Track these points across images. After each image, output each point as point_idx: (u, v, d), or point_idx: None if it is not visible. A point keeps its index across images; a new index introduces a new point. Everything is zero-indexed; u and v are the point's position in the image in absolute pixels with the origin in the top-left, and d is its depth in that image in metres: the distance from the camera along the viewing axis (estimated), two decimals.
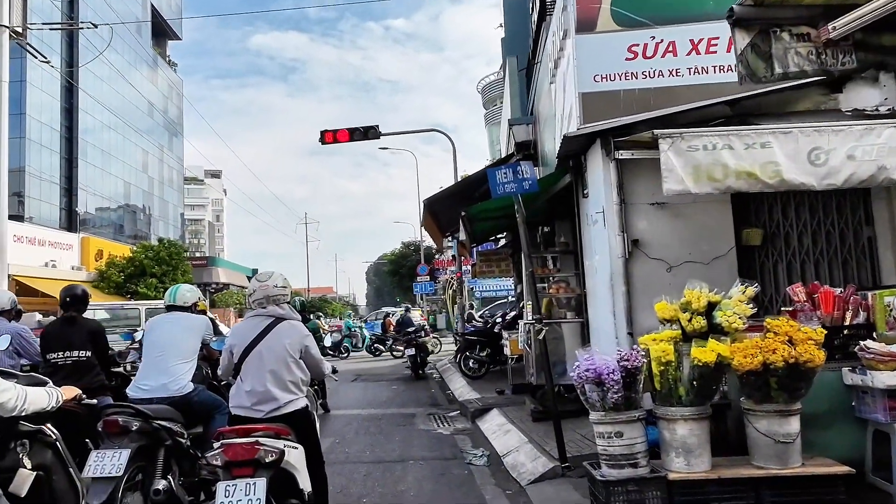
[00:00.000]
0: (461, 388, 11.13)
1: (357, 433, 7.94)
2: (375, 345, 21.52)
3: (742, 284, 4.39)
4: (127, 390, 4.37)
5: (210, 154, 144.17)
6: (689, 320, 4.27)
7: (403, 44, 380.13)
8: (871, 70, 5.59)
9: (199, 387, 4.53)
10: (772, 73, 3.24)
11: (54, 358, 5.23)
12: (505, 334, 10.75)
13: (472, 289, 26.59)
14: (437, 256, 39.01)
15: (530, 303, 7.85)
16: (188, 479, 4.24)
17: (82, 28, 25.13)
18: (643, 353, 4.06)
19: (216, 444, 3.28)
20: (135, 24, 43.61)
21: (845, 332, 4.54)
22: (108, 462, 3.57)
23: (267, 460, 3.21)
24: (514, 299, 15.74)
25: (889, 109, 5.43)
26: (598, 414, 4.04)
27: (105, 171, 42.05)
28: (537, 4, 9.40)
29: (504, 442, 6.69)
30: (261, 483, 3.13)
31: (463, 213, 8.39)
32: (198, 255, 56.24)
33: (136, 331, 5.18)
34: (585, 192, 6.68)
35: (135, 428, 3.82)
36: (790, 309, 4.71)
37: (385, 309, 41.35)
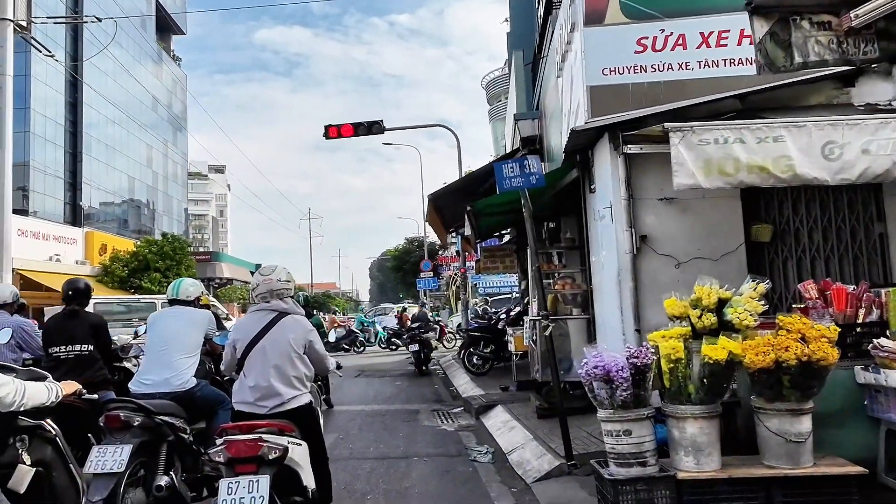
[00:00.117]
0: (465, 384, 11.08)
1: (361, 429, 7.90)
2: (392, 339, 21.50)
3: (753, 281, 4.32)
4: (129, 385, 4.32)
5: (214, 149, 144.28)
6: (700, 317, 4.20)
7: (408, 39, 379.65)
8: (884, 64, 5.50)
9: (202, 382, 4.47)
10: (791, 62, 3.16)
11: (56, 352, 5.20)
12: (509, 330, 10.70)
13: (476, 285, 26.53)
14: (440, 252, 38.95)
15: (536, 299, 7.80)
16: (191, 475, 4.19)
17: (86, 22, 25.11)
18: (652, 350, 3.99)
19: (219, 441, 3.23)
20: (139, 18, 43.57)
21: (858, 329, 4.46)
22: (109, 458, 3.52)
23: (270, 457, 3.16)
24: (518, 295, 15.67)
25: None
26: (606, 412, 3.98)
27: (109, 166, 42.07)
28: None
29: (509, 439, 6.63)
30: (264, 480, 3.08)
31: (469, 208, 8.32)
32: (201, 250, 56.32)
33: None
34: (592, 187, 6.61)
35: (137, 423, 3.77)
36: (802, 306, 4.64)
37: (383, 305, 41.29)
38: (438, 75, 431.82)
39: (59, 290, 5.54)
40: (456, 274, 30.80)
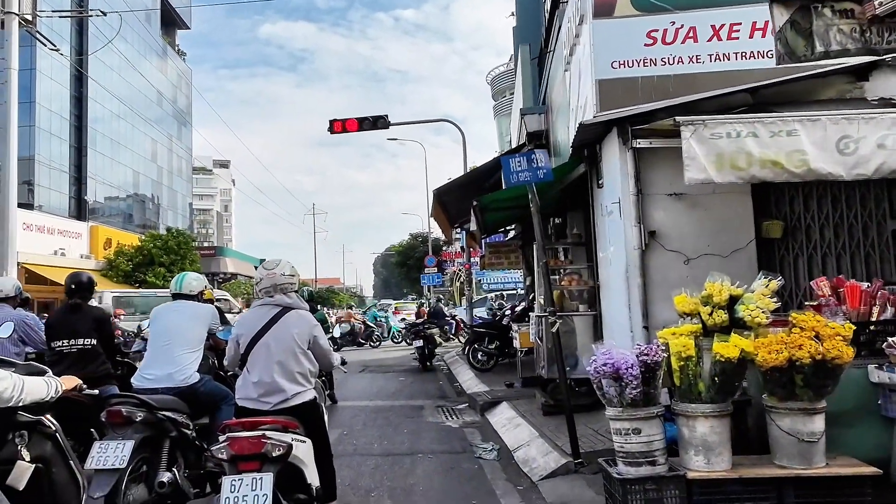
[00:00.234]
0: (469, 380, 11.03)
1: (365, 425, 7.86)
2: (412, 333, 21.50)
3: (765, 278, 4.24)
4: (132, 380, 4.27)
5: (219, 144, 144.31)
6: (710, 314, 4.12)
7: (413, 34, 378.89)
8: None
9: (205, 377, 4.43)
10: (812, 51, 3.08)
11: (59, 346, 5.16)
12: (514, 326, 10.63)
13: (480, 281, 26.48)
14: (444, 248, 38.90)
15: (542, 295, 7.73)
16: (194, 471, 4.14)
17: (91, 16, 25.06)
18: (663, 348, 3.92)
19: (222, 438, 3.18)
20: (144, 12, 43.53)
21: (872, 327, 4.38)
22: (111, 453, 3.48)
23: (274, 454, 3.11)
24: (522, 292, 15.60)
25: None
26: (615, 410, 3.91)
27: (114, 161, 42.12)
28: None
29: (514, 436, 6.57)
30: (267, 478, 3.02)
31: (475, 203, 8.26)
32: (206, 244, 56.38)
33: None
34: (600, 182, 6.53)
35: (139, 419, 3.72)
36: (814, 303, 4.56)
37: (383, 301, 41.24)
38: (443, 71, 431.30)
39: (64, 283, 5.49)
40: (460, 270, 30.76)
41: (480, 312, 17.57)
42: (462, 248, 23.42)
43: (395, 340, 22.61)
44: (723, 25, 5.73)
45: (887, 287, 4.56)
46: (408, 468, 5.75)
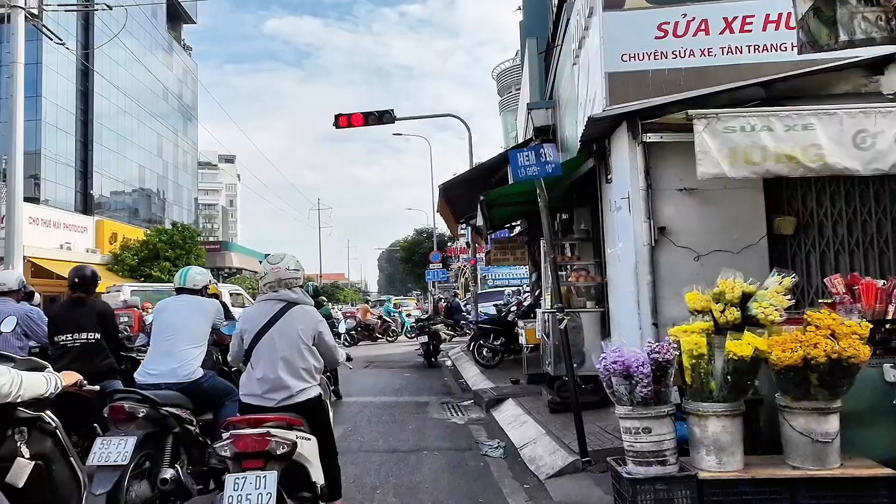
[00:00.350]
0: (475, 376, 10.97)
1: (370, 421, 7.81)
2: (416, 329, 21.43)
3: (779, 274, 4.16)
4: (135, 375, 4.23)
5: (224, 139, 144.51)
6: (722, 311, 4.05)
7: (418, 30, 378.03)
8: None
9: (209, 373, 4.38)
10: (836, 40, 2.98)
11: (63, 340, 5.12)
12: (520, 323, 10.55)
13: (486, 276, 26.39)
14: (449, 244, 38.85)
15: (550, 291, 7.65)
16: (197, 468, 4.10)
17: (97, 10, 25.04)
18: (675, 346, 3.85)
19: (225, 435, 3.13)
20: (150, 6, 43.49)
21: (887, 326, 4.29)
22: (113, 449, 3.44)
23: (278, 452, 3.06)
24: (528, 288, 15.51)
25: None
26: (624, 408, 3.84)
27: (120, 155, 42.17)
28: None
29: (521, 433, 6.51)
30: (271, 476, 2.97)
31: (482, 198, 8.17)
32: (211, 239, 56.47)
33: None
34: (609, 177, 6.45)
35: (142, 414, 3.68)
36: (829, 301, 4.47)
37: (383, 297, 41.21)
38: (449, 67, 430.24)
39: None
40: (465, 265, 30.68)
41: (488, 308, 17.45)
42: (467, 243, 23.34)
43: (409, 335, 22.53)
44: (735, 18, 5.62)
45: None
46: (413, 465, 5.70)
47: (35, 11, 14.50)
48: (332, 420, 4.15)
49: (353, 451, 6.20)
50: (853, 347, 3.57)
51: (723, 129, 4.24)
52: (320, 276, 62.56)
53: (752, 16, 5.55)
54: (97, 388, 3.23)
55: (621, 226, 5.97)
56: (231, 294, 18.87)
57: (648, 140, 5.39)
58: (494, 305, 16.84)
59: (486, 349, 11.98)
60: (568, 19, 8.08)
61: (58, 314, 5.31)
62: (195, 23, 57.48)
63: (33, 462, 2.45)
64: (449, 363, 14.39)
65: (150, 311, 13.71)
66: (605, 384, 3.95)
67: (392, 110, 15.57)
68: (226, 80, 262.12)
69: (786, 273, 4.17)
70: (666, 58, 5.71)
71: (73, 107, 37.71)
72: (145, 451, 3.69)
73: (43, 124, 34.50)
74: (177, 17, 52.91)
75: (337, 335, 21.29)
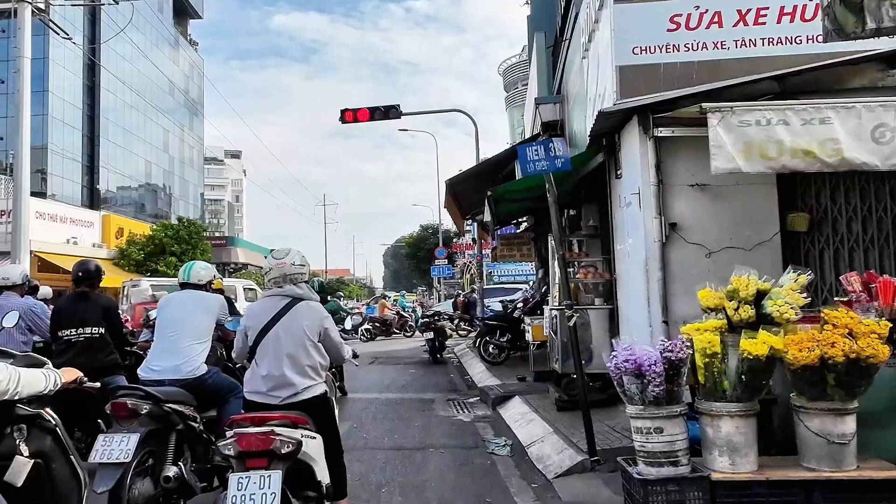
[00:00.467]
0: (481, 373, 10.90)
1: (375, 418, 7.75)
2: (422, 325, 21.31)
3: (794, 272, 4.06)
4: (138, 371, 4.17)
5: (230, 135, 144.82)
6: (736, 309, 3.96)
7: (424, 26, 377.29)
8: None
9: (213, 369, 4.32)
10: (863, 27, 2.88)
11: (67, 335, 5.08)
12: (527, 320, 10.47)
13: (491, 272, 26.32)
14: (455, 240, 38.76)
15: (558, 288, 7.57)
16: (201, 465, 4.04)
17: (104, 4, 25.03)
18: (688, 344, 3.76)
19: (229, 433, 3.06)
20: (157, 1, 43.51)
21: None
22: (115, 447, 3.39)
23: (283, 451, 2.99)
24: (535, 285, 15.42)
25: None
26: (635, 408, 3.76)
27: (126, 150, 42.26)
28: None
29: (528, 431, 6.44)
30: (276, 476, 2.90)
31: (489, 193, 8.10)
32: (217, 234, 56.57)
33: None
34: (619, 172, 6.36)
35: (144, 411, 3.62)
36: (845, 299, 4.37)
37: (384, 293, 41.20)
38: (455, 62, 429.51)
39: None
40: (471, 261, 30.60)
41: (493, 304, 17.34)
42: (473, 239, 23.26)
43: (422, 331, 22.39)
44: (749, 10, 5.52)
45: None
46: (419, 463, 5.64)
47: (42, 6, 14.48)
48: (337, 417, 4.09)
49: (359, 448, 6.15)
50: (872, 347, 3.48)
51: (738, 122, 4.14)
52: (326, 272, 62.62)
53: (767, 8, 5.44)
54: (98, 384, 3.18)
55: (631, 222, 5.89)
56: (245, 289, 18.80)
57: (660, 135, 5.30)
58: (500, 301, 16.76)
59: (492, 346, 11.90)
60: (577, 13, 7.98)
61: (61, 308, 5.26)
62: (201, 18, 57.55)
63: (32, 460, 2.39)
64: (455, 360, 14.33)
65: None
66: (615, 383, 3.87)
67: (398, 105, 15.49)
68: (232, 75, 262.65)
69: (801, 270, 4.08)
70: (678, 51, 5.61)
71: (79, 102, 37.79)
72: (148, 449, 3.63)
73: (50, 119, 34.60)
74: (183, 12, 52.92)
75: (343, 332, 21.24)
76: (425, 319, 15.53)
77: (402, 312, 23.13)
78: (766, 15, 5.45)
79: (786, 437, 4.08)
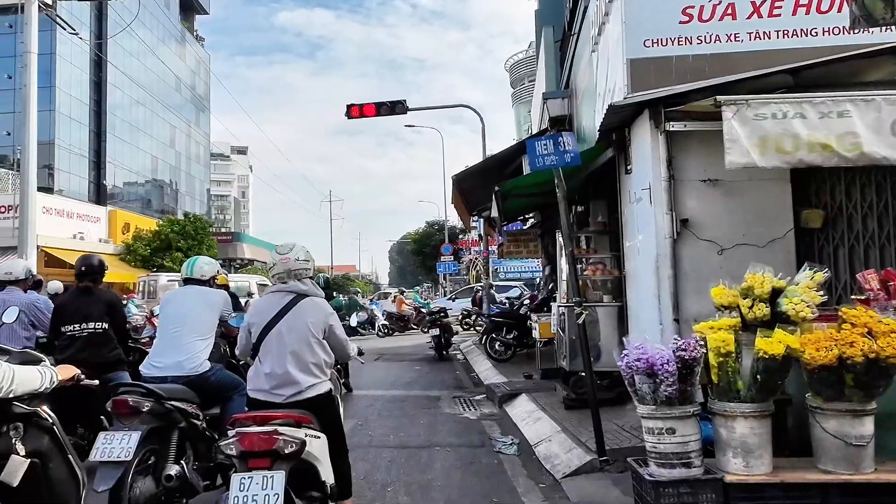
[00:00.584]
0: (487, 370, 10.83)
1: (381, 415, 7.69)
2: (465, 320, 21.14)
3: (810, 269, 3.96)
4: (140, 368, 4.11)
5: (236, 131, 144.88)
6: (751, 307, 3.86)
7: (430, 22, 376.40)
8: None
9: (216, 366, 4.25)
10: (892, 14, 2.78)
11: (70, 330, 5.03)
12: (533, 317, 10.38)
13: (497, 269, 26.23)
14: (461, 236, 38.67)
15: (566, 285, 7.47)
16: (204, 464, 3.98)
17: None
18: (702, 343, 3.67)
19: (231, 433, 2.99)
20: None
21: None
22: (116, 445, 3.33)
23: (286, 451, 2.92)
24: (542, 282, 15.32)
25: None
26: (647, 408, 3.67)
27: (133, 146, 42.31)
28: None
29: (535, 430, 6.36)
30: (279, 476, 2.83)
31: (496, 188, 8.01)
32: (223, 230, 56.64)
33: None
34: (629, 167, 6.26)
35: (146, 409, 3.56)
36: (861, 297, 4.26)
37: (384, 290, 41.08)
38: (460, 59, 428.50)
39: None
40: (477, 258, 30.50)
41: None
42: (479, 235, 23.15)
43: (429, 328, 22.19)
44: (763, 2, 5.40)
45: None
46: (425, 462, 5.57)
47: (49, 1, 14.43)
48: (342, 415, 4.02)
49: (364, 446, 6.08)
50: (892, 346, 3.37)
51: (753, 116, 4.04)
52: (332, 268, 62.67)
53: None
54: (96, 381, 3.11)
55: (641, 218, 5.79)
56: (258, 285, 18.72)
57: (671, 129, 5.20)
58: (507, 299, 16.66)
59: (498, 343, 11.83)
60: (586, 6, 7.86)
61: (64, 303, 5.21)
62: (208, 13, 57.45)
63: (29, 460, 2.33)
64: (460, 356, 14.26)
65: None
66: (626, 382, 3.78)
67: (404, 101, 15.41)
68: (237, 72, 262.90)
69: (817, 267, 3.98)
70: (690, 43, 5.50)
71: (86, 97, 37.82)
72: (150, 447, 3.58)
73: (57, 114, 34.63)
74: (189, 7, 52.88)
75: (360, 328, 21.15)
76: (431, 316, 15.45)
77: (420, 309, 23.02)
78: (780, 7, 5.33)
79: (800, 439, 3.98)
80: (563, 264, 7.90)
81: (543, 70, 12.10)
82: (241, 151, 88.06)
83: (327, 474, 3.25)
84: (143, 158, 43.71)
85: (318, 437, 3.23)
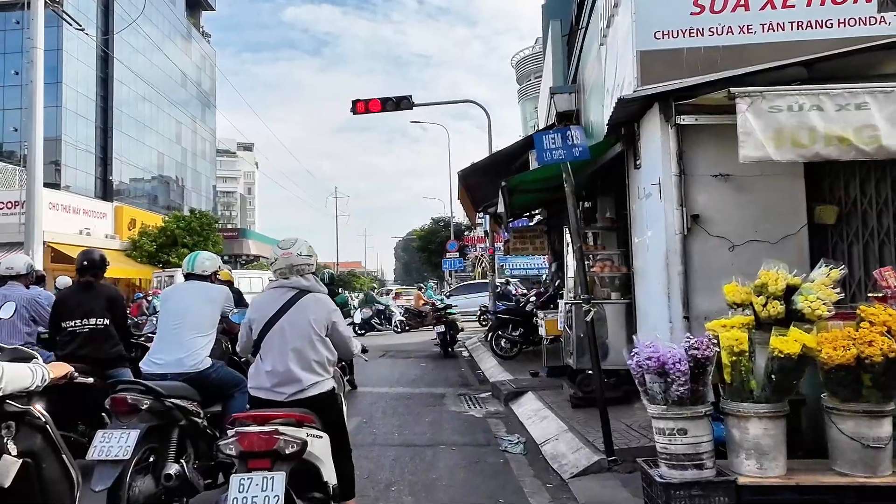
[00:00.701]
0: (492, 368, 10.74)
1: (385, 413, 7.61)
2: (483, 316, 21.06)
3: (826, 266, 3.85)
4: (140, 364, 4.03)
5: (242, 127, 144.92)
6: (764, 305, 3.76)
7: (436, 18, 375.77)
8: None
9: (217, 363, 4.17)
10: None
11: (71, 326, 4.96)
12: (540, 314, 10.28)
13: (503, 266, 26.10)
14: (466, 233, 38.54)
15: (572, 281, 7.38)
16: (205, 462, 3.91)
17: None
18: (714, 342, 3.57)
19: (230, 432, 2.91)
20: None
21: None
22: (115, 443, 3.26)
23: (287, 452, 2.84)
24: (548, 279, 15.21)
25: None
26: (658, 408, 3.57)
27: (139, 142, 42.39)
28: None
29: (541, 429, 6.27)
30: (279, 477, 2.75)
31: (503, 183, 7.90)
32: (230, 227, 56.72)
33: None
34: (638, 162, 6.15)
35: (145, 406, 3.48)
36: (878, 295, 4.15)
37: (386, 288, 41.03)
38: (466, 55, 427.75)
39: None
40: (483, 254, 30.38)
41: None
42: (485, 232, 23.02)
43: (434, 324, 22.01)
44: None
45: None
46: (429, 461, 5.49)
47: None
48: (345, 413, 3.94)
49: (368, 444, 6.01)
50: None
51: (768, 108, 3.93)
52: (337, 265, 62.67)
53: None
54: (90, 379, 3.03)
55: (651, 213, 5.68)
56: (270, 281, 18.67)
57: (683, 122, 5.09)
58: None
59: (504, 340, 11.72)
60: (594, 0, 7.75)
61: (65, 299, 5.14)
62: (214, 10, 57.49)
63: (21, 460, 2.25)
64: (466, 353, 14.17)
65: None
66: (636, 381, 3.69)
67: (410, 96, 15.29)
68: (244, 68, 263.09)
69: (833, 264, 3.87)
70: (702, 35, 5.38)
71: (93, 93, 37.91)
72: (149, 445, 3.50)
73: (63, 111, 34.73)
74: (196, 3, 52.92)
75: (378, 323, 21.04)
76: (436, 312, 15.37)
77: (437, 305, 22.93)
78: None
79: (815, 440, 3.89)
80: (570, 261, 7.80)
81: (550, 65, 11.97)
82: (248, 148, 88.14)
83: (329, 475, 3.18)
84: (149, 154, 43.78)
85: (321, 437, 3.15)
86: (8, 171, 27.58)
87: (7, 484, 2.20)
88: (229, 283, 7.33)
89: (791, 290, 3.82)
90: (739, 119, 3.98)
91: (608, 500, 4.37)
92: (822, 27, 5.31)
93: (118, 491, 3.20)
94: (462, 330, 16.27)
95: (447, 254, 30.98)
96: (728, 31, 5.36)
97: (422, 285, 28.89)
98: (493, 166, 11.03)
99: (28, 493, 2.30)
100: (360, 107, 15.06)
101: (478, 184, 11.42)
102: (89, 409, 4.57)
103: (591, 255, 7.88)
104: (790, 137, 3.90)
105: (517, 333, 11.70)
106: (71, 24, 15.83)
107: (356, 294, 33.32)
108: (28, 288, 5.65)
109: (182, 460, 3.65)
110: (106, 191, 37.64)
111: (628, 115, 5.94)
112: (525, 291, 18.58)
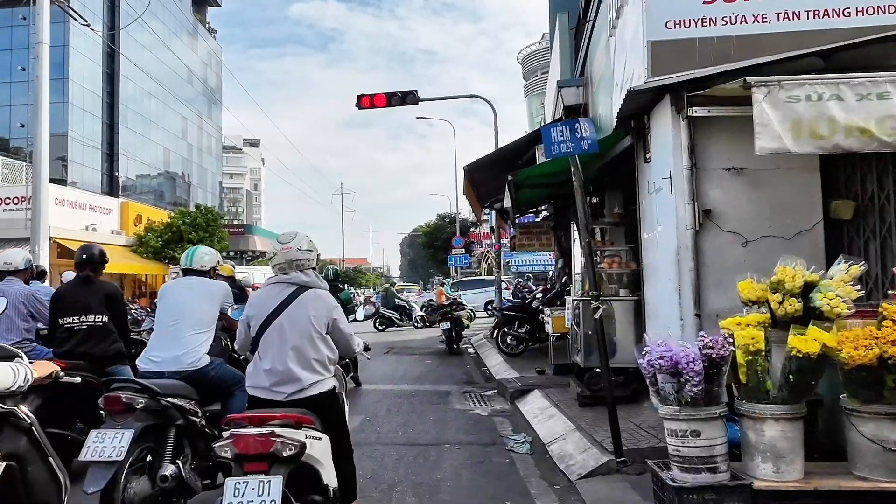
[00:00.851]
0: (498, 365, 10.62)
1: (389, 411, 7.51)
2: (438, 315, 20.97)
3: (845, 262, 3.71)
4: (137, 362, 3.93)
5: (248, 123, 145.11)
6: (781, 303, 3.63)
7: (442, 14, 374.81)
8: None
9: (216, 360, 4.07)
10: None
11: (69, 322, 4.87)
12: (546, 311, 10.15)
13: (509, 262, 25.96)
14: (472, 229, 38.42)
15: (582, 278, 7.24)
16: (203, 462, 3.80)
17: None
18: (730, 340, 3.44)
19: (225, 434, 2.80)
20: None
21: None
22: (108, 443, 3.15)
23: (284, 454, 2.72)
24: (555, 275, 15.07)
25: None
26: (670, 409, 3.45)
27: (145, 138, 42.42)
28: None
29: (548, 428, 6.15)
30: (276, 481, 2.64)
31: (510, 178, 7.78)
32: (235, 223, 56.76)
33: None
34: (648, 156, 6.00)
35: (140, 405, 3.38)
36: None
37: (386, 286, 40.99)
38: (472, 51, 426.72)
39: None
40: (489, 251, 30.24)
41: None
42: (491, 228, 22.89)
43: (470, 319, 21.91)
44: None
45: None
46: (434, 461, 5.37)
47: None
48: (348, 411, 3.83)
49: (371, 443, 5.91)
50: None
51: (786, 98, 3.78)
52: (343, 261, 62.67)
53: None
54: (77, 379, 2.93)
55: (661, 208, 5.54)
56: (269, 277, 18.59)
57: (694, 114, 4.95)
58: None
59: (510, 337, 11.61)
60: None
61: (63, 295, 5.04)
62: (220, 5, 57.39)
63: (5, 462, 2.15)
64: (471, 350, 14.06)
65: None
66: (647, 381, 3.56)
67: (415, 91, 15.16)
68: (250, 64, 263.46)
69: (853, 260, 3.73)
70: (715, 24, 5.23)
71: (99, 89, 37.92)
72: (145, 445, 3.40)
73: (70, 106, 34.76)
74: None
75: (398, 319, 20.94)
76: (442, 309, 15.26)
77: (459, 301, 22.78)
78: None
79: (833, 442, 3.76)
80: (578, 257, 7.67)
81: (557, 58, 11.81)
82: (254, 144, 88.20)
83: (330, 477, 3.06)
84: (155, 150, 43.81)
85: (320, 439, 3.03)
86: (15, 166, 27.63)
87: None
88: (230, 279, 7.23)
89: (808, 288, 3.68)
90: (756, 109, 3.84)
91: (618, 503, 4.25)
92: (839, 16, 5.16)
93: (112, 493, 3.10)
94: (468, 326, 16.14)
95: (453, 250, 30.87)
96: (742, 21, 5.21)
97: (444, 281, 28.80)
98: (499, 161, 10.90)
99: (12, 496, 2.20)
100: (366, 101, 14.96)
101: (483, 179, 11.29)
102: (87, 407, 4.48)
103: (599, 252, 7.74)
104: (809, 128, 3.76)
105: (523, 330, 11.58)
106: (77, 20, 15.76)
107: (361, 290, 33.26)
108: (27, 283, 5.57)
109: (179, 461, 3.54)
110: (112, 187, 37.68)
111: (638, 108, 5.79)
112: (533, 288, 18.42)
